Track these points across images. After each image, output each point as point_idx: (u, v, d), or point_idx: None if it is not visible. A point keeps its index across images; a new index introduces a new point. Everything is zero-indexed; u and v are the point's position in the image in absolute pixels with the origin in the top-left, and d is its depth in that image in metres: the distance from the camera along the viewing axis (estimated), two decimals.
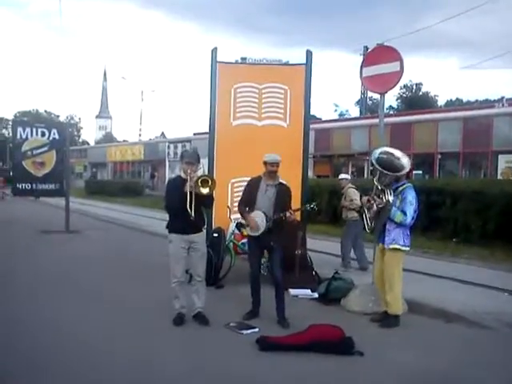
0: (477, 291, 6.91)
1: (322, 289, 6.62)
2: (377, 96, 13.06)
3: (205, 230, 5.82)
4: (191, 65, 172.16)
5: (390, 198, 5.34)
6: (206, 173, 6.91)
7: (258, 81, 7.82)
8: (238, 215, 6.94)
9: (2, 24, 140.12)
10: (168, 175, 33.52)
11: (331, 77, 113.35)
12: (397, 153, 5.57)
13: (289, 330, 5.15)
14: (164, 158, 37.87)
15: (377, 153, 5.57)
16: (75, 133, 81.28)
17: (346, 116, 51.03)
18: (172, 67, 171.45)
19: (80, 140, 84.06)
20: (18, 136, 13.44)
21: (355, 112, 51.23)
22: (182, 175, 5.41)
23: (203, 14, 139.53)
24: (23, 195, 15.15)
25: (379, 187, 5.48)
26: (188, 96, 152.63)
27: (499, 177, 18.40)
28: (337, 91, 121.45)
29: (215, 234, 7.47)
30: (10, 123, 52.72)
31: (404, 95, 50.34)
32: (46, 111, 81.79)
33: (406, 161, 5.48)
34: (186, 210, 5.14)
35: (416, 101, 46.18)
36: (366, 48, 30.68)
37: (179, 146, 35.66)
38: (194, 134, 36.78)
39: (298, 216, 6.62)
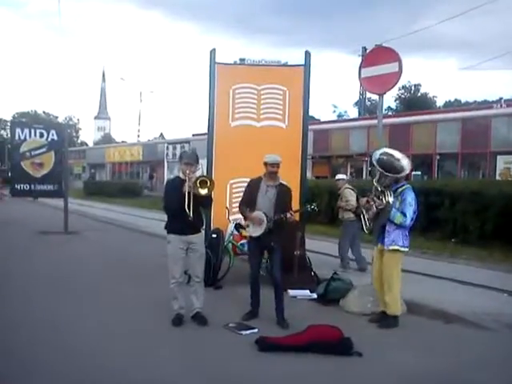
0: (476, 292, 6.92)
1: (321, 289, 6.62)
2: (375, 97, 13.10)
3: (203, 231, 5.82)
4: (190, 66, 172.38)
5: (391, 200, 5.34)
6: (205, 174, 6.90)
7: (257, 82, 7.82)
8: (237, 216, 6.95)
9: (1, 24, 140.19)
10: (167, 176, 33.52)
11: (330, 78, 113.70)
12: (397, 154, 5.57)
13: (288, 330, 5.15)
14: (163, 158, 37.90)
15: (377, 154, 5.57)
16: (74, 134, 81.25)
17: (344, 117, 51.16)
18: (171, 68, 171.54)
19: (79, 141, 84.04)
20: (17, 137, 13.43)
21: (354, 113, 51.43)
22: (181, 176, 5.40)
23: (202, 14, 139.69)
24: (22, 196, 15.17)
25: (379, 188, 5.47)
26: (187, 97, 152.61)
27: (498, 177, 18.44)
28: (335, 92, 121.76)
29: (214, 235, 7.46)
30: (9, 124, 52.63)
31: (402, 96, 50.42)
32: (44, 112, 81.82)
33: (406, 162, 5.49)
34: (185, 210, 5.14)
35: (414, 102, 46.26)
36: (365, 49, 30.73)
37: (178, 146, 35.71)
38: (193, 135, 36.85)
39: (297, 217, 6.61)
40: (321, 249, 9.70)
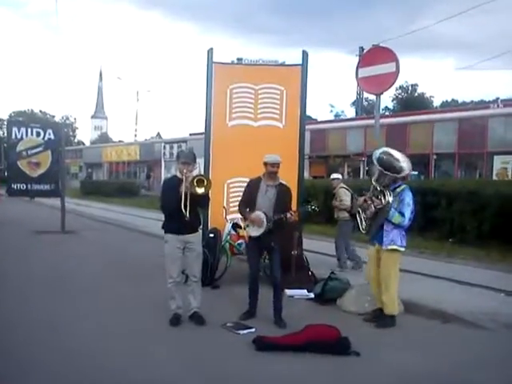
0: (473, 292, 6.92)
1: (318, 289, 6.63)
2: (372, 97, 13.09)
3: (200, 231, 5.81)
4: (187, 65, 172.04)
5: (390, 199, 5.34)
6: (202, 173, 6.89)
7: (254, 81, 7.81)
8: (234, 216, 6.94)
9: (1, 23, 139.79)
10: (164, 175, 33.51)
11: (327, 77, 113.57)
12: (396, 154, 5.57)
13: (285, 330, 5.15)
14: (160, 158, 37.84)
15: (377, 153, 5.58)
16: (70, 133, 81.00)
17: (341, 117, 51.12)
18: (168, 67, 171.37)
19: (75, 140, 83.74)
20: (13, 136, 13.41)
21: (351, 113, 51.44)
22: (178, 175, 5.39)
23: (202, 14, 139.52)
24: (18, 195, 15.11)
25: (378, 188, 5.47)
26: (184, 96, 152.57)
27: (494, 177, 18.49)
28: (332, 92, 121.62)
29: (211, 235, 7.46)
30: (5, 123, 52.45)
31: (400, 96, 50.54)
32: (41, 111, 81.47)
33: (406, 164, 5.48)
34: (182, 210, 5.13)
35: (412, 102, 46.38)
36: (362, 49, 30.70)
37: (175, 146, 35.68)
38: (190, 135, 36.79)
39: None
40: (318, 248, 9.70)
